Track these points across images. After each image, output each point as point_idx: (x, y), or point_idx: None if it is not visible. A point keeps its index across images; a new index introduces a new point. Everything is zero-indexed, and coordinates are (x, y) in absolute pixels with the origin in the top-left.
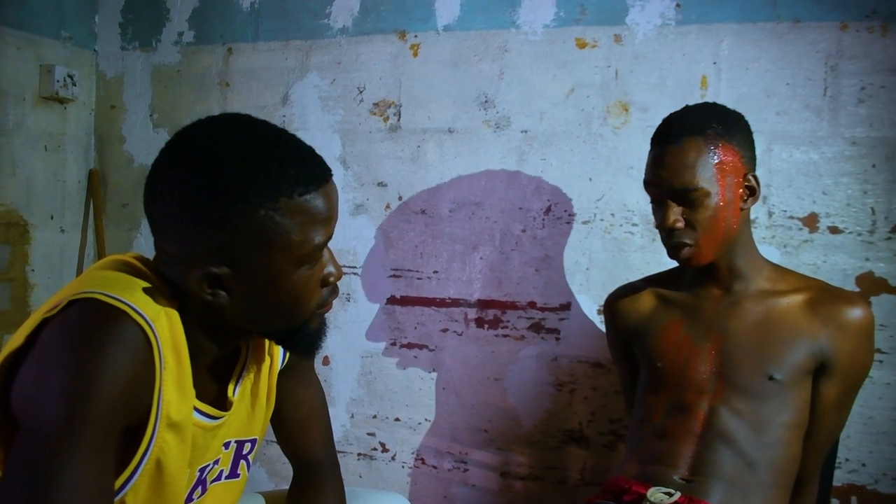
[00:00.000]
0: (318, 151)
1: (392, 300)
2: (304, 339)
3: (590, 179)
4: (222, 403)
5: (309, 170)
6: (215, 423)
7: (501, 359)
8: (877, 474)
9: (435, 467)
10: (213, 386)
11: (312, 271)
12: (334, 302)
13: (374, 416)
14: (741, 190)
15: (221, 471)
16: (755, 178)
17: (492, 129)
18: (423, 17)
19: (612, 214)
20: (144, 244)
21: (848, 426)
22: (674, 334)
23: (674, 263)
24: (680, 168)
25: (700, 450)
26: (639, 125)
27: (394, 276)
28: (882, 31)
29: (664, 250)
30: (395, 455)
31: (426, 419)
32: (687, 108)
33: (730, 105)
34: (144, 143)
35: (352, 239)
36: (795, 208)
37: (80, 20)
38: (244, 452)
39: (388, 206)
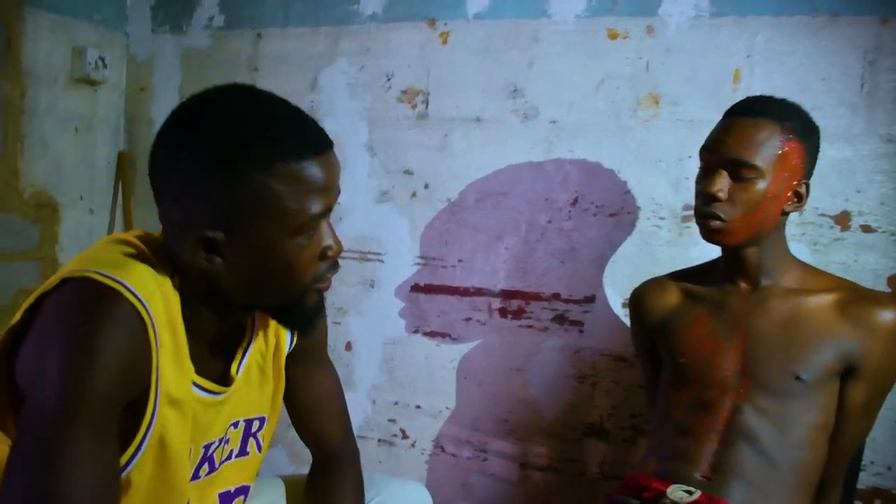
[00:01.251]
0: (345, 138)
1: (416, 288)
2: (301, 314)
3: (618, 172)
4: (225, 380)
5: (306, 137)
6: (217, 398)
7: (524, 349)
8: None
9: (454, 455)
10: (216, 363)
11: (309, 243)
12: (358, 288)
13: (396, 403)
14: (791, 192)
15: (232, 450)
16: (807, 186)
17: (520, 119)
18: (454, 4)
19: (640, 208)
20: None
21: (874, 428)
22: (699, 330)
23: (701, 259)
24: (747, 140)
25: (722, 448)
26: (669, 118)
27: (418, 263)
28: None
29: (691, 245)
30: (414, 442)
31: (447, 407)
32: (773, 97)
33: None
34: None
35: (377, 226)
36: (827, 206)
37: (111, 3)
38: (253, 430)
39: (414, 194)
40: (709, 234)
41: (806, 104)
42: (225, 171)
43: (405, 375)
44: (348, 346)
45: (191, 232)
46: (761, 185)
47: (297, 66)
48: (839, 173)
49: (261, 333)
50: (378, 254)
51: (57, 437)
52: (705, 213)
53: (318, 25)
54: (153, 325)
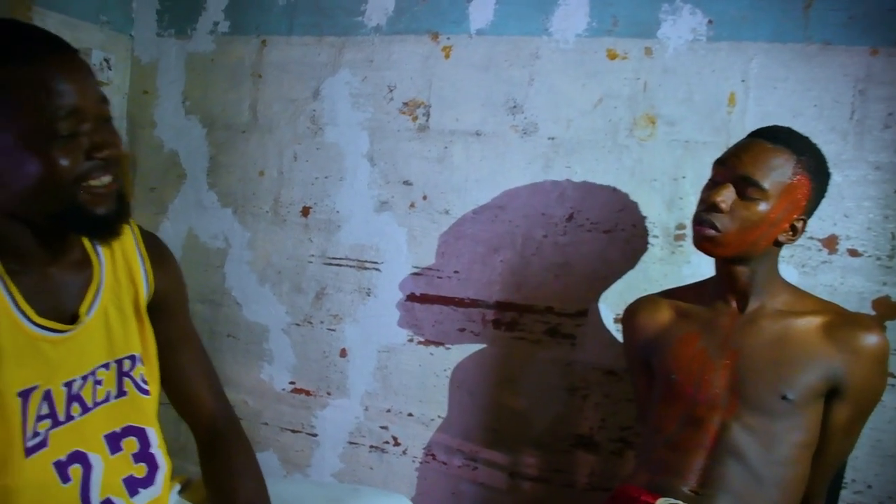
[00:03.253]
0: (346, 147)
1: (412, 297)
2: (85, 219)
3: (613, 189)
4: (74, 320)
5: (37, 43)
6: (63, 336)
7: (516, 361)
8: (882, 496)
9: (445, 464)
10: (62, 301)
11: (68, 146)
12: (355, 296)
13: (388, 410)
14: (788, 224)
15: (108, 391)
16: (804, 223)
17: (519, 135)
18: (457, 19)
19: (634, 225)
20: (171, 229)
21: (856, 447)
22: (689, 347)
23: (692, 277)
24: (762, 162)
25: (710, 463)
26: (664, 138)
27: (415, 273)
28: None
29: (682, 263)
30: (406, 449)
31: (439, 416)
32: (798, 132)
33: (756, 123)
34: (175, 130)
35: (375, 235)
36: (816, 229)
37: (118, 5)
38: (126, 370)
39: (412, 205)
40: (700, 241)
41: (798, 129)
42: None
43: (398, 383)
44: (343, 353)
45: None
46: (763, 206)
47: (300, 75)
48: (828, 198)
49: (111, 275)
50: (375, 262)
51: None
52: (703, 219)
53: (323, 35)
54: None
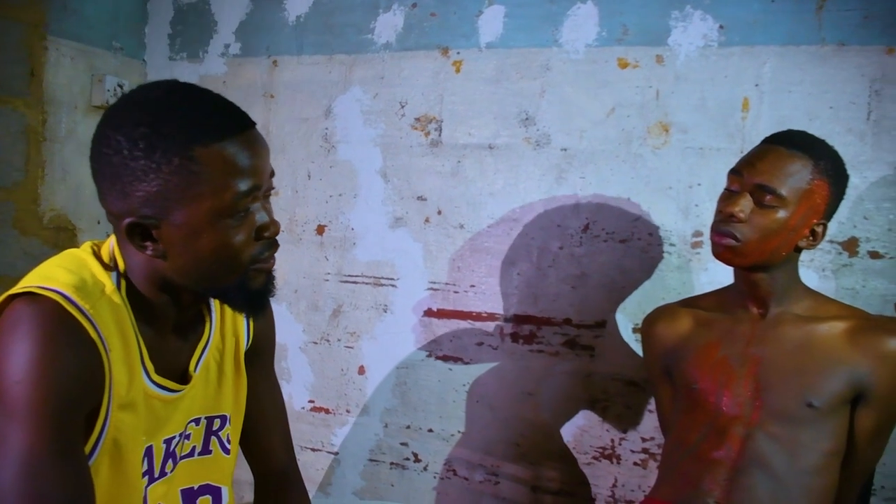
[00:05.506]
0: (359, 164)
1: (429, 312)
2: (245, 296)
3: (628, 199)
4: (184, 378)
5: (224, 119)
6: (174, 395)
7: (535, 374)
8: None
9: (466, 479)
10: (178, 359)
11: (242, 224)
12: (371, 312)
13: (408, 427)
14: (808, 230)
15: (194, 447)
16: (825, 228)
17: (532, 147)
18: (467, 34)
19: (650, 234)
20: None
21: (885, 453)
22: (710, 356)
23: (710, 285)
24: (778, 169)
25: (735, 474)
26: (678, 146)
27: (431, 289)
28: None
29: (700, 271)
30: (427, 465)
31: (459, 431)
32: (814, 136)
33: (771, 128)
34: None
35: (390, 251)
36: (835, 232)
37: (130, 31)
38: (214, 429)
39: (427, 220)
40: (720, 252)
41: (814, 132)
42: (149, 157)
43: (417, 399)
44: (361, 370)
45: (126, 219)
46: (782, 214)
47: (311, 94)
48: (847, 200)
49: (219, 331)
50: (391, 279)
51: (36, 457)
52: (722, 230)
53: (333, 53)
54: (100, 336)
